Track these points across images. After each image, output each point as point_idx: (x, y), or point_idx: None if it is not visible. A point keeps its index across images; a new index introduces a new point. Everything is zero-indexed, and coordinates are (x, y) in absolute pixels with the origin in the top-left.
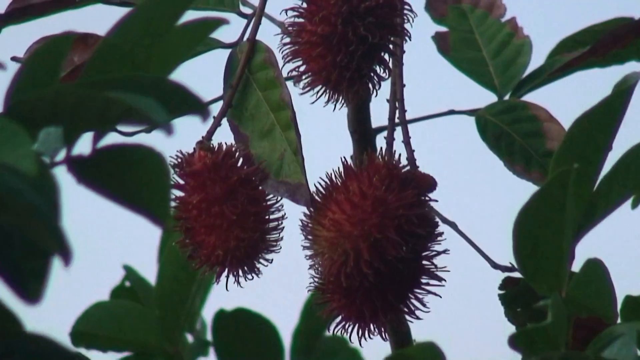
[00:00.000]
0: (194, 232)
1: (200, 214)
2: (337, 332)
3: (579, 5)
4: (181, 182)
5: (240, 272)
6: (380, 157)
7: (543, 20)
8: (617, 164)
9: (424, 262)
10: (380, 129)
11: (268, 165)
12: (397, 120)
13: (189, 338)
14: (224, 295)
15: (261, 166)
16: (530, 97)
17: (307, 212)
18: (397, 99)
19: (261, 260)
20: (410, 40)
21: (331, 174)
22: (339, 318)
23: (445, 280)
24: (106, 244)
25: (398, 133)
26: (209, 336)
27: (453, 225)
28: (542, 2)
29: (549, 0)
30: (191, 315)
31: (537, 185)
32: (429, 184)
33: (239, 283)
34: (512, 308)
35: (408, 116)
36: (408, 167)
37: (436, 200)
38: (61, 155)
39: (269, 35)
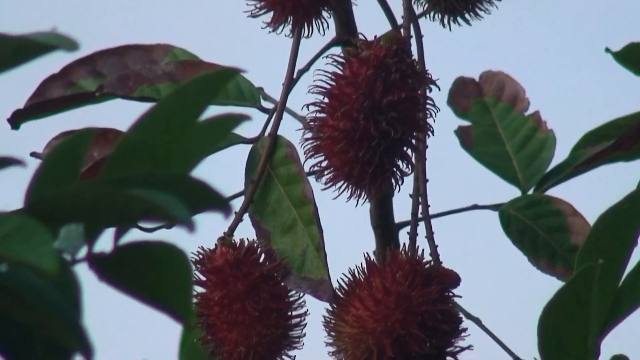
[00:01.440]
0: (216, 328)
1: (222, 310)
2: None
3: (604, 99)
4: (203, 278)
5: None
6: (403, 252)
7: (567, 113)
8: None
9: (448, 358)
10: (403, 224)
11: (290, 261)
12: (420, 215)
13: None
14: None
15: (283, 262)
16: (554, 191)
17: (330, 308)
18: (420, 193)
19: (284, 357)
20: (432, 134)
21: (354, 270)
22: None
23: None
24: (127, 340)
25: (421, 228)
26: None
27: (477, 320)
28: (566, 95)
29: (573, 92)
30: None
31: (561, 280)
32: (453, 279)
33: None
34: None
35: (431, 211)
36: (431, 263)
37: (460, 296)
38: (82, 252)
39: (291, 130)
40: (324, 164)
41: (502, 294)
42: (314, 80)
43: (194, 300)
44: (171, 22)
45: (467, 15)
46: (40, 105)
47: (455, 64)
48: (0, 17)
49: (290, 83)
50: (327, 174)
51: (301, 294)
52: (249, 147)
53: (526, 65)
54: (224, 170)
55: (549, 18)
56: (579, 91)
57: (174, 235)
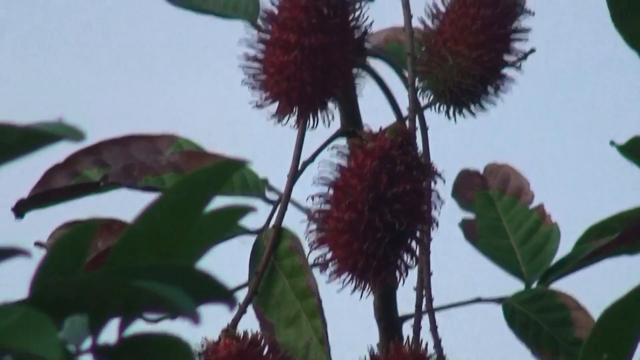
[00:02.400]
0: None
1: None
2: None
3: (608, 192)
4: None
5: None
6: (406, 345)
7: (571, 206)
8: None
9: None
10: (406, 317)
11: (294, 353)
12: (424, 308)
13: None
14: None
15: (287, 354)
16: (558, 285)
17: None
18: (424, 286)
19: None
20: (437, 227)
21: None
22: None
23: None
24: None
25: (425, 321)
26: None
27: None
28: (571, 188)
29: (577, 185)
30: None
31: None
32: None
33: None
34: None
35: (435, 304)
36: (435, 356)
37: None
38: (87, 343)
39: (295, 222)
40: (329, 255)
41: None
42: (319, 172)
43: None
44: (177, 111)
45: (472, 108)
46: (45, 194)
47: (460, 155)
48: (7, 102)
49: (294, 174)
50: (332, 266)
51: None
52: (253, 238)
53: (531, 157)
54: (229, 261)
55: (553, 110)
56: (583, 184)
57: (178, 326)
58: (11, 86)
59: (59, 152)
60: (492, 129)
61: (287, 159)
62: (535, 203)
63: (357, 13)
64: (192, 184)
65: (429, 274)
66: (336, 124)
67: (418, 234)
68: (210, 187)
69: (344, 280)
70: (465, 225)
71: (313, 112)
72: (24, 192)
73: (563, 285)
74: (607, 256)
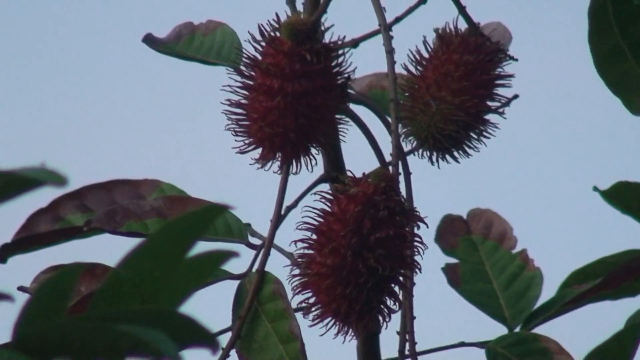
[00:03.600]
0: None
1: None
2: None
3: (591, 237)
4: None
5: None
6: None
7: (554, 250)
8: None
9: None
10: None
11: None
12: (407, 353)
13: None
14: None
15: None
16: (541, 329)
17: None
18: (407, 331)
19: None
20: (420, 272)
21: None
22: None
23: None
24: None
25: None
26: None
27: None
28: (554, 232)
29: (560, 230)
30: None
31: None
32: None
33: None
34: None
35: (418, 348)
36: None
37: None
38: None
39: (278, 266)
40: (312, 300)
41: None
42: (302, 217)
43: None
44: (160, 156)
45: (455, 153)
46: (28, 239)
47: (444, 201)
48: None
49: (278, 219)
50: (315, 310)
51: None
52: (236, 282)
53: (514, 202)
54: (212, 305)
55: (536, 155)
56: (566, 229)
57: None
58: None
59: (42, 197)
60: (475, 174)
61: (271, 204)
62: (518, 248)
63: (340, 59)
64: (176, 229)
65: (412, 318)
66: (319, 170)
67: (401, 278)
68: (193, 232)
69: (327, 324)
70: (448, 270)
71: (296, 157)
72: (7, 237)
73: (546, 329)
74: (590, 301)
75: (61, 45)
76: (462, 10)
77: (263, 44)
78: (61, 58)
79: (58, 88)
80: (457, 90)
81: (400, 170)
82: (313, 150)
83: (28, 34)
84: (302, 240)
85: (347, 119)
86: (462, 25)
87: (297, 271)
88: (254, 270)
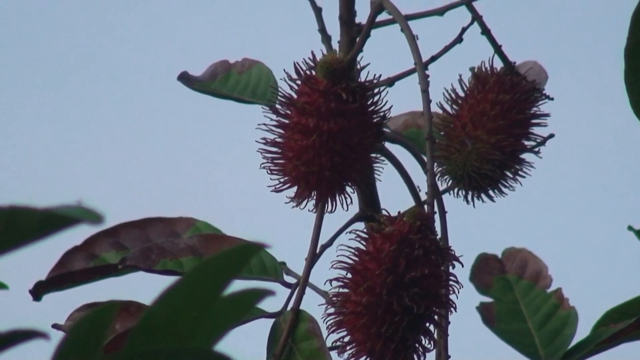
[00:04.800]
0: None
1: None
2: None
3: (626, 276)
4: None
5: None
6: None
7: (589, 289)
8: None
9: None
10: None
11: None
12: None
13: None
14: None
15: None
16: None
17: None
18: None
19: None
20: (455, 311)
21: None
22: None
23: None
24: None
25: None
26: None
27: None
28: (589, 271)
29: (595, 269)
30: None
31: None
32: None
33: None
34: None
35: None
36: None
37: None
38: None
39: (313, 305)
40: (347, 339)
41: None
42: (337, 256)
43: None
44: (195, 194)
45: (490, 192)
46: (63, 277)
47: (479, 240)
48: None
49: (313, 258)
50: (350, 349)
51: None
52: (271, 321)
53: (549, 241)
54: (247, 344)
55: (572, 194)
56: (601, 268)
57: None
58: (32, 168)
59: (77, 234)
60: (511, 213)
61: (306, 242)
62: (553, 287)
63: (375, 97)
64: (211, 268)
65: (447, 357)
66: (355, 208)
67: (436, 317)
68: (228, 270)
69: None
70: (483, 309)
71: (331, 196)
72: (43, 275)
73: None
74: (625, 340)
75: (99, 83)
76: (498, 49)
77: (299, 82)
78: (100, 96)
79: (95, 126)
80: (493, 129)
81: (436, 209)
82: (348, 189)
83: (63, 79)
84: (337, 279)
85: (383, 158)
86: (498, 64)
87: (332, 310)
88: (288, 308)
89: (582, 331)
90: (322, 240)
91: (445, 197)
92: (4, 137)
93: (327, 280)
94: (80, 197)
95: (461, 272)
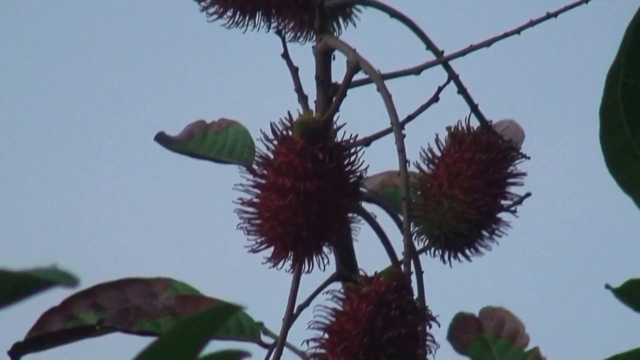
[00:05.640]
0: None
1: None
2: None
3: (603, 334)
4: None
5: None
6: None
7: (567, 348)
8: None
9: None
10: None
11: None
12: None
13: None
14: None
15: None
16: None
17: None
18: None
19: None
20: None
21: None
22: None
23: None
24: None
25: None
26: None
27: None
28: (566, 329)
29: (572, 327)
30: None
31: None
32: None
33: None
34: None
35: None
36: None
37: None
38: None
39: None
40: None
41: None
42: (314, 316)
43: None
44: (172, 255)
45: (467, 252)
46: (40, 338)
47: (456, 299)
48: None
49: (290, 318)
50: None
51: None
52: None
53: (526, 300)
54: None
55: (548, 253)
56: (578, 327)
57: None
58: (5, 229)
59: (55, 295)
60: (488, 272)
61: (283, 302)
62: (530, 346)
63: (352, 157)
64: (188, 329)
65: None
66: (331, 268)
67: None
68: (206, 331)
69: None
70: None
71: (308, 256)
72: (20, 336)
73: None
74: None
75: (73, 142)
76: (474, 108)
77: (275, 142)
78: (78, 155)
79: (74, 188)
80: (470, 189)
81: (413, 269)
82: (325, 249)
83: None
84: (314, 340)
85: (360, 218)
86: (475, 123)
87: None
88: None
89: None
90: (300, 300)
91: (422, 257)
92: None
93: (304, 341)
94: (55, 260)
95: (439, 331)
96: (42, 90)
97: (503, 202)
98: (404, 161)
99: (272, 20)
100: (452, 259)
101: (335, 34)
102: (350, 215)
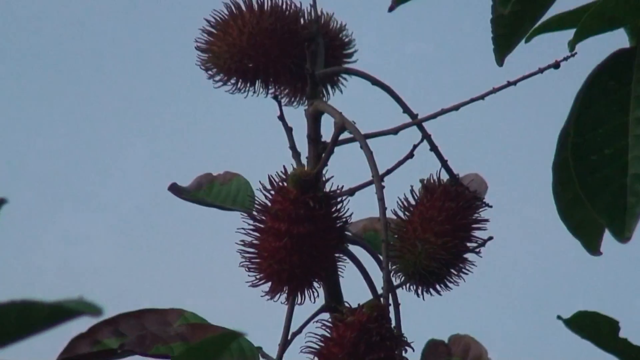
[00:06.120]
0: None
1: None
2: None
3: (557, 358)
4: None
5: None
6: None
7: None
8: None
9: None
10: None
11: None
12: None
13: None
14: None
15: None
16: None
17: None
18: None
19: None
20: None
21: None
22: None
23: None
24: None
25: None
26: None
27: None
28: (522, 357)
29: (527, 354)
30: None
31: None
32: None
33: None
34: None
35: None
36: None
37: None
38: None
39: None
40: None
41: None
42: (306, 342)
43: None
44: (183, 288)
45: (438, 287)
46: None
47: (428, 327)
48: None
49: (285, 344)
50: None
51: None
52: None
53: (489, 329)
54: None
55: (507, 288)
56: (533, 353)
57: None
58: (32, 264)
59: (82, 323)
60: (456, 304)
61: (279, 330)
62: None
63: (338, 205)
64: (197, 352)
65: None
66: (321, 300)
67: None
68: (212, 354)
69: None
70: None
71: (301, 290)
72: (52, 358)
73: None
74: None
75: (97, 194)
76: (444, 163)
77: (272, 192)
78: (102, 204)
79: (98, 231)
80: (440, 233)
81: (390, 301)
82: (315, 284)
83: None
84: None
85: (345, 257)
86: (445, 176)
87: None
88: None
89: None
90: (293, 328)
91: (399, 291)
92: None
93: None
94: (81, 293)
95: (413, 355)
96: (63, 146)
97: (469, 244)
98: (383, 209)
99: (270, 87)
100: (424, 293)
101: (324, 99)
102: (336, 255)
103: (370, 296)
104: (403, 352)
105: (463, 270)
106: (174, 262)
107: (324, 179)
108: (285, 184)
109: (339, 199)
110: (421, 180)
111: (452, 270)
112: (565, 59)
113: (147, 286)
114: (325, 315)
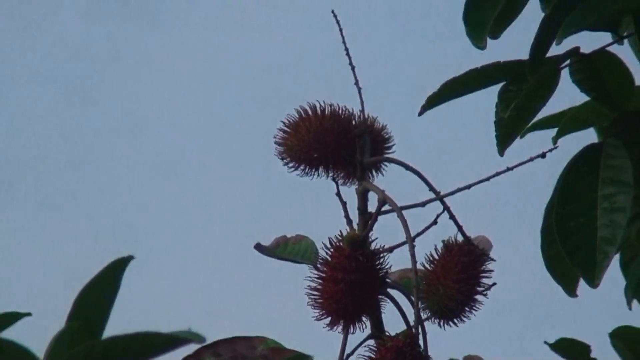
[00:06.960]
0: None
1: None
2: None
3: None
4: None
5: None
6: None
7: None
8: None
9: None
10: None
11: None
12: None
13: None
14: None
15: None
16: None
17: None
18: None
19: None
20: None
21: None
22: None
23: None
24: None
25: None
26: None
27: None
28: None
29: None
30: None
31: None
32: None
33: None
34: None
35: None
36: None
37: None
38: None
39: None
40: None
41: None
42: None
43: None
44: (268, 321)
45: (455, 320)
46: None
47: (447, 349)
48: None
49: None
50: None
51: None
52: None
53: (493, 350)
54: None
55: (508, 321)
56: None
57: None
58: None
59: (189, 348)
60: (469, 332)
61: (335, 353)
62: None
63: (381, 260)
64: None
65: None
66: (367, 331)
67: None
68: None
69: None
70: None
71: (353, 323)
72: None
73: None
74: None
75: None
76: (459, 228)
77: (331, 250)
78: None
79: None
80: (456, 280)
81: (420, 331)
82: (364, 318)
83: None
84: None
85: (386, 298)
86: (460, 238)
87: None
88: None
89: None
90: (347, 351)
91: (426, 323)
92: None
93: None
94: (190, 324)
95: None
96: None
97: (478, 288)
98: (414, 262)
99: (329, 171)
100: (445, 324)
101: (370, 180)
102: (379, 296)
103: (404, 327)
104: None
105: (474, 307)
106: (260, 303)
107: (370, 240)
108: (341, 243)
109: (381, 255)
110: (443, 241)
111: (466, 308)
112: (550, 150)
113: (241, 320)
114: (371, 342)
